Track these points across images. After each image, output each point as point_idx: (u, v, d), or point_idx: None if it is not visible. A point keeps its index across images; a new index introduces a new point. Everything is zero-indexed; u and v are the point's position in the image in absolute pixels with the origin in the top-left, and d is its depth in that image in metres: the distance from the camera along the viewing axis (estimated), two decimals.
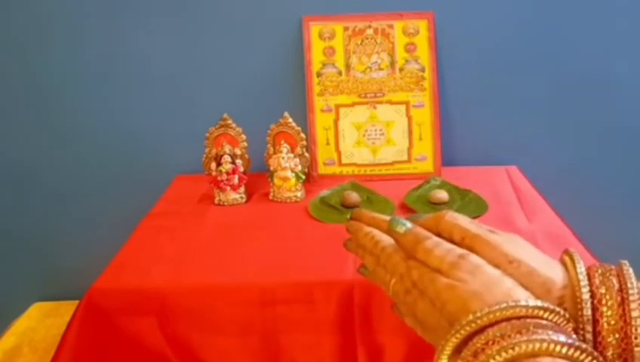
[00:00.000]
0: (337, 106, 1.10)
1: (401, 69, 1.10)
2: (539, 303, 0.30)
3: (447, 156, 1.14)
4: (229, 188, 1.00)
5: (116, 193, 1.22)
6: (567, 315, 0.31)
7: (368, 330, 0.75)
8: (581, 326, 0.31)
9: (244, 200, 1.02)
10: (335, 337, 0.75)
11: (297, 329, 0.75)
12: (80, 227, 1.25)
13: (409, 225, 0.38)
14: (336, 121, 1.11)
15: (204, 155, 1.01)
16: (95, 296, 0.75)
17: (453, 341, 0.30)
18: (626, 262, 0.33)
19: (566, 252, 0.35)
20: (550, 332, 0.28)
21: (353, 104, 1.11)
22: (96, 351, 0.75)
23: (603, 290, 0.32)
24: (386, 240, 0.40)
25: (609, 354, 0.31)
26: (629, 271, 0.32)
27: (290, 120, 1.00)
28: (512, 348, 0.28)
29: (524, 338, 0.28)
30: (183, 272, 0.79)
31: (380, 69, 1.10)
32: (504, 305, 0.30)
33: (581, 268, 0.33)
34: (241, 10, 1.11)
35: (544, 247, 0.80)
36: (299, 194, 1.01)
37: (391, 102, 1.10)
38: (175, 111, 1.18)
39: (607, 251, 0.88)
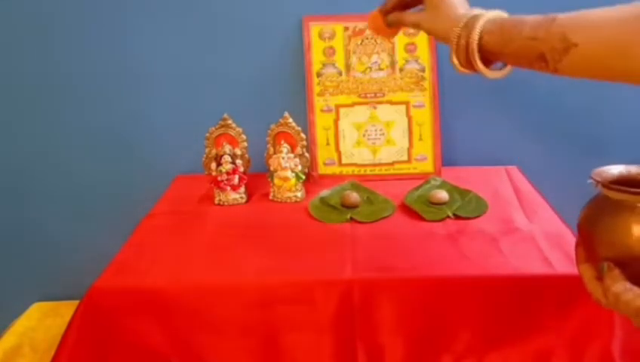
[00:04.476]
0: (337, 106, 1.10)
1: (401, 69, 1.10)
2: None
3: (447, 156, 1.13)
4: (229, 188, 1.00)
5: (116, 193, 1.22)
6: None
7: (368, 330, 0.75)
8: None
9: (244, 200, 1.02)
10: (335, 337, 0.75)
11: (297, 329, 0.75)
12: (80, 227, 1.25)
13: None
14: (336, 121, 1.11)
15: (204, 155, 1.01)
16: (95, 296, 0.75)
17: None
18: None
19: None
20: None
21: (353, 104, 1.11)
22: (96, 351, 0.75)
23: None
24: None
25: None
26: None
27: (290, 120, 1.00)
28: None
29: None
30: (183, 272, 0.79)
31: (380, 69, 1.10)
32: None
33: None
34: (241, 11, 1.11)
35: (544, 247, 0.80)
36: (299, 194, 1.01)
37: (391, 103, 1.10)
38: (175, 111, 1.17)
39: None
